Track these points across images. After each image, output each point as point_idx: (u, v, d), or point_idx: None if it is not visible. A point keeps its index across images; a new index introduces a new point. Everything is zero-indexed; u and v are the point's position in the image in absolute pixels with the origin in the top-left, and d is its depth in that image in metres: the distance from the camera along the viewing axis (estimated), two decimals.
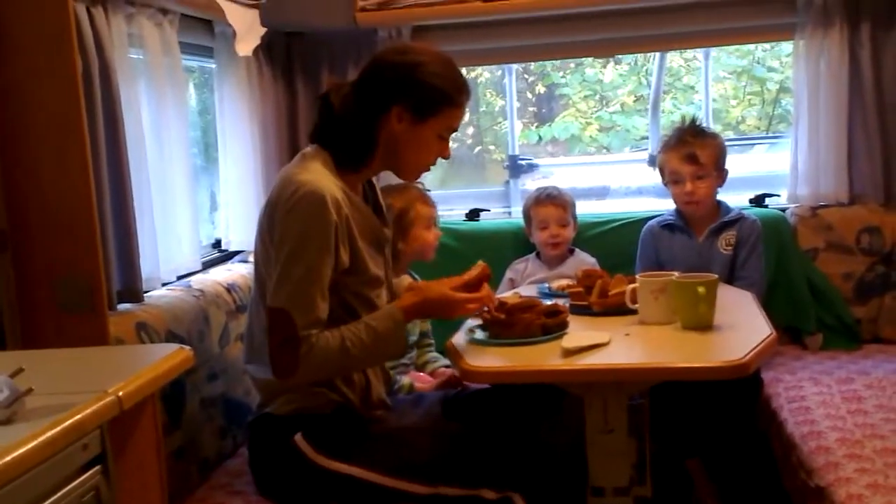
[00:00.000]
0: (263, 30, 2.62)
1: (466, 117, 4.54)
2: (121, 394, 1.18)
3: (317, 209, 1.78)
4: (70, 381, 1.25)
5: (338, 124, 1.91)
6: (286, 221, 1.81)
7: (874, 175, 2.79)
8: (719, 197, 2.73)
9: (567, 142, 4.36)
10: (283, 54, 3.00)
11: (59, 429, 1.06)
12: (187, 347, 1.44)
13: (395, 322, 1.85)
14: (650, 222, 2.81)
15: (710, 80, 3.31)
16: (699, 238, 2.68)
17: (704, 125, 2.80)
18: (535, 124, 4.47)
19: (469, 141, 4.45)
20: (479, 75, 4.31)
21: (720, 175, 2.66)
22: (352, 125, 1.90)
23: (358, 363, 1.88)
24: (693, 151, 2.63)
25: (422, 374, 2.49)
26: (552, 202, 2.81)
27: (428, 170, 2.02)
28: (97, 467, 1.17)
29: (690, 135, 2.68)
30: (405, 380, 2.36)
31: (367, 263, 1.89)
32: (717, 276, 1.97)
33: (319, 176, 1.84)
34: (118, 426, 1.22)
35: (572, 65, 4.33)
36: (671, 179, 2.70)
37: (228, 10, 2.44)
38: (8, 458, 1.00)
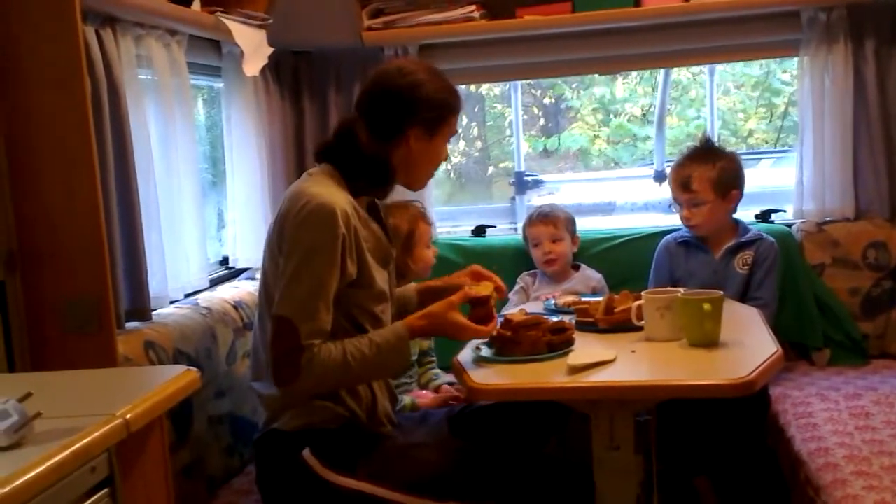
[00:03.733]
0: (270, 50, 2.64)
1: (475, 132, 4.58)
2: (128, 417, 1.19)
3: (326, 221, 1.81)
4: (78, 405, 1.26)
5: (360, 157, 1.95)
6: (296, 233, 1.84)
7: (880, 190, 2.80)
8: (737, 215, 2.72)
9: (576, 153, 4.37)
10: (291, 73, 3.02)
11: (67, 452, 1.07)
12: (194, 369, 1.45)
13: (399, 338, 1.86)
14: (667, 238, 2.79)
15: (714, 95, 3.31)
16: (716, 256, 2.67)
17: (716, 144, 2.74)
18: (543, 136, 4.48)
19: (476, 155, 4.47)
20: (488, 89, 4.32)
21: (724, 199, 2.63)
22: (373, 157, 1.94)
23: (359, 376, 1.88)
24: (687, 177, 2.62)
25: (424, 391, 2.49)
26: (542, 221, 2.83)
27: (433, 175, 2.09)
28: (105, 490, 1.18)
29: (689, 158, 2.66)
30: (406, 399, 2.36)
31: (374, 277, 1.92)
32: (722, 293, 1.97)
33: (330, 189, 1.87)
34: (126, 449, 1.23)
35: (579, 80, 4.34)
36: (674, 202, 2.71)
37: (236, 30, 2.46)
38: (17, 483, 1.01)
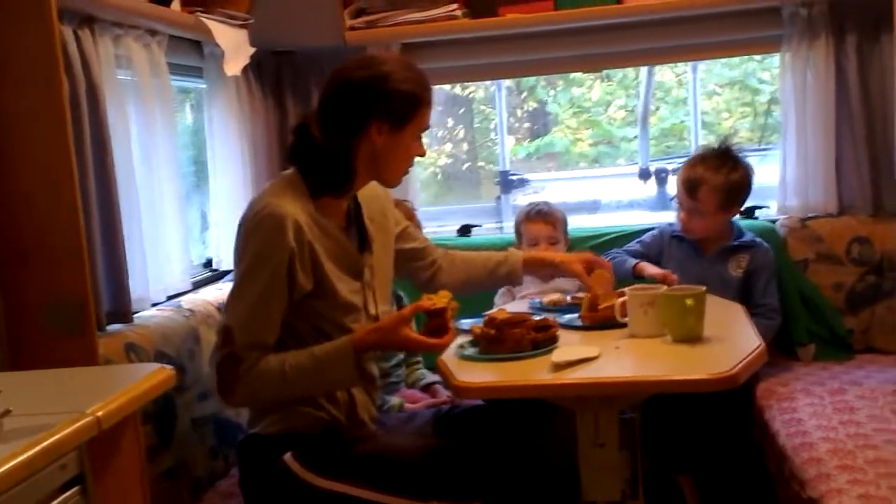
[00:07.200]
0: (252, 50, 2.63)
1: (461, 133, 4.57)
2: (100, 414, 1.18)
3: (273, 233, 1.79)
4: (49, 402, 1.25)
5: (316, 154, 1.90)
6: (246, 241, 1.84)
7: (863, 186, 2.80)
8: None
9: (560, 155, 4.36)
10: (273, 73, 3.01)
11: (36, 449, 1.06)
12: (169, 367, 1.43)
13: (341, 353, 1.81)
14: (663, 226, 2.78)
15: (698, 93, 3.32)
16: (708, 255, 2.65)
17: (733, 152, 2.61)
18: (527, 139, 4.47)
19: (464, 157, 4.46)
20: (473, 92, 4.32)
21: (726, 212, 2.61)
22: (329, 153, 1.88)
23: (298, 389, 1.84)
24: (697, 183, 2.54)
25: (412, 391, 2.48)
26: (542, 219, 2.78)
27: (408, 173, 2.02)
28: (76, 488, 1.17)
29: (703, 161, 2.57)
30: (395, 400, 2.35)
31: (335, 288, 1.88)
32: (704, 288, 1.97)
33: (286, 199, 1.84)
34: (98, 446, 1.22)
35: (560, 82, 4.34)
36: (676, 200, 2.67)
37: (216, 30, 2.45)
38: None
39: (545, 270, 2.31)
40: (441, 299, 1.86)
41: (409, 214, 2.58)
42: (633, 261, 2.64)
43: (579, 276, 2.21)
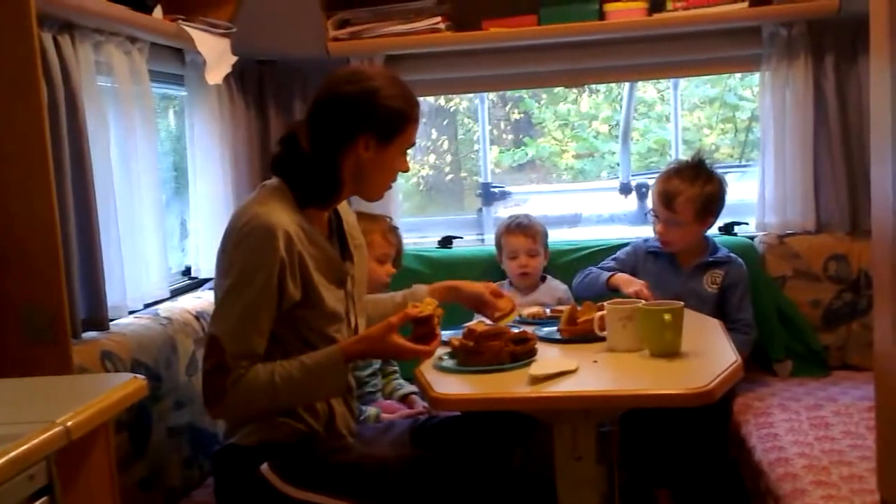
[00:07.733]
0: (234, 58, 2.62)
1: (444, 144, 4.59)
2: (69, 424, 1.16)
3: (264, 243, 1.78)
4: (18, 411, 1.23)
5: (304, 165, 1.89)
6: (234, 252, 1.82)
7: (840, 204, 2.82)
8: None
9: (544, 165, 4.38)
10: (256, 82, 3.00)
11: (3, 459, 1.04)
12: (141, 377, 1.42)
13: (332, 361, 1.82)
14: (638, 242, 2.80)
15: (678, 109, 3.34)
16: (684, 270, 2.67)
17: (706, 164, 2.67)
18: (513, 148, 4.49)
19: (447, 168, 4.47)
20: (457, 103, 4.33)
21: (701, 223, 2.63)
22: (317, 165, 1.89)
23: (287, 398, 1.84)
24: (673, 195, 2.58)
25: (389, 401, 2.47)
26: (522, 232, 2.80)
27: (390, 188, 2.02)
28: (44, 498, 1.15)
29: (679, 174, 2.62)
30: (371, 410, 2.34)
31: (323, 298, 1.87)
32: (682, 303, 1.98)
33: (274, 209, 1.83)
34: (68, 457, 1.20)
35: (545, 96, 4.37)
36: (652, 213, 2.70)
37: (198, 39, 2.44)
38: None
39: (452, 297, 2.20)
40: (427, 307, 1.88)
41: (387, 230, 2.57)
42: (606, 274, 2.66)
43: (482, 296, 2.17)
